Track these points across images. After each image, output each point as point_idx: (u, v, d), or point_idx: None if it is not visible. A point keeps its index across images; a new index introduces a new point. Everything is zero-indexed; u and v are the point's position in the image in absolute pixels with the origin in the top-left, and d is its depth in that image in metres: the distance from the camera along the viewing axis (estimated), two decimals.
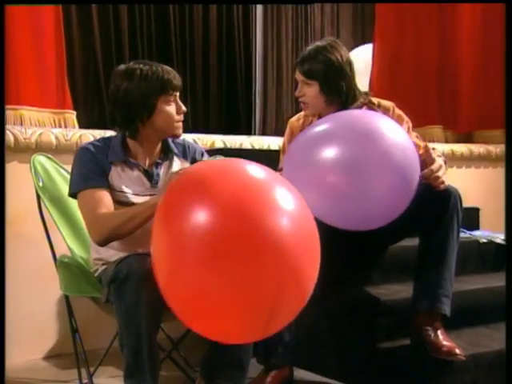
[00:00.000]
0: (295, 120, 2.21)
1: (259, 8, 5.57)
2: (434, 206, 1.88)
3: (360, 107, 2.03)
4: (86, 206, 1.70)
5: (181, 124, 1.78)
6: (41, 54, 2.81)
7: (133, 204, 1.73)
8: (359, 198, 1.57)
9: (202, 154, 1.92)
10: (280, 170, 2.11)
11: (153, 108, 1.71)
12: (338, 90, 1.98)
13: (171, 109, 1.74)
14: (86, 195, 1.71)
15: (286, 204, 1.25)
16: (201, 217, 1.20)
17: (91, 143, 1.80)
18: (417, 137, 2.12)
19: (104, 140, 1.81)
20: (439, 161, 1.87)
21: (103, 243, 1.68)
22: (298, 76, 2.04)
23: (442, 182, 1.84)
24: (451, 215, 1.93)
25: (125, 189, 1.74)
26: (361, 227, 1.70)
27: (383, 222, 1.69)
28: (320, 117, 2.07)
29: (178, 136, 1.80)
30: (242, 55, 5.31)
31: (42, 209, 1.98)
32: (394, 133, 1.63)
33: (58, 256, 1.92)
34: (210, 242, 1.19)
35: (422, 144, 2.11)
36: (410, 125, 2.12)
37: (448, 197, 1.92)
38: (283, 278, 1.21)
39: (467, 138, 4.20)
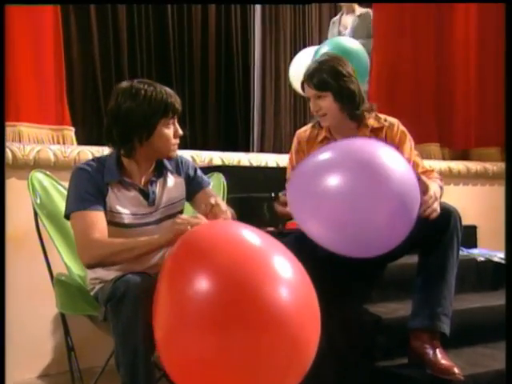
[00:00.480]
0: (302, 131, 2.24)
1: (257, 24, 5.64)
2: (434, 226, 1.88)
3: (368, 114, 2.09)
4: (79, 227, 1.67)
5: (176, 147, 1.79)
6: (40, 70, 2.83)
7: (127, 225, 1.73)
8: (360, 227, 1.59)
9: (195, 170, 1.93)
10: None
11: (153, 130, 1.71)
12: (351, 94, 2.04)
13: (169, 132, 1.74)
14: (79, 216, 1.68)
15: (285, 273, 1.30)
16: (202, 285, 1.26)
17: (87, 164, 1.77)
18: (417, 155, 2.14)
19: (99, 160, 1.80)
20: (433, 187, 1.88)
21: (91, 268, 1.68)
22: (309, 91, 2.08)
23: (433, 211, 1.84)
24: (451, 235, 1.94)
25: (120, 209, 1.73)
26: (362, 255, 1.72)
27: (383, 250, 1.71)
28: (328, 128, 2.13)
29: (172, 158, 1.82)
30: (240, 72, 5.37)
31: (40, 226, 1.97)
32: (395, 162, 1.65)
33: (54, 274, 1.91)
34: (210, 310, 1.24)
35: (421, 164, 2.13)
36: (413, 143, 2.15)
37: (448, 217, 1.93)
38: (283, 347, 1.24)
39: (464, 156, 4.23)
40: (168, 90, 1.75)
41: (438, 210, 1.85)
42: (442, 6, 4.18)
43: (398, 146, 2.08)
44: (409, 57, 4.18)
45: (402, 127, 2.14)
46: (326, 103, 2.05)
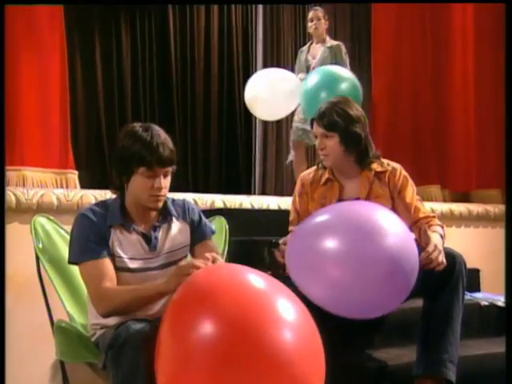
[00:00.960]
0: (306, 174, 2.26)
1: (259, 66, 5.75)
2: (439, 273, 1.86)
3: (373, 160, 2.11)
4: (90, 279, 1.68)
5: (156, 198, 1.71)
6: (46, 116, 2.90)
7: (129, 269, 1.73)
8: (358, 289, 1.62)
9: (200, 219, 1.90)
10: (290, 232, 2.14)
11: (130, 175, 1.69)
12: (358, 140, 2.07)
13: (146, 182, 1.68)
14: (88, 267, 1.68)
15: (289, 315, 1.30)
16: (204, 328, 1.26)
17: (90, 208, 1.78)
18: (419, 200, 2.15)
19: (103, 203, 1.80)
20: (435, 238, 1.88)
21: (107, 317, 1.67)
22: (317, 130, 2.11)
23: (440, 264, 1.83)
24: (456, 280, 1.93)
25: (121, 253, 1.73)
26: (361, 316, 1.73)
27: (382, 312, 1.73)
28: (331, 170, 2.14)
29: (153, 209, 1.76)
30: (241, 115, 5.44)
31: (41, 271, 1.97)
32: (392, 225, 1.69)
33: (55, 319, 1.90)
34: (213, 353, 1.23)
35: (423, 209, 2.13)
36: (415, 188, 2.16)
37: (453, 262, 1.92)
38: None
39: (465, 197, 4.24)
40: (161, 140, 1.68)
41: (444, 261, 1.84)
42: (440, 45, 4.26)
43: (400, 191, 2.11)
44: (408, 99, 4.25)
45: (404, 172, 2.16)
46: (332, 143, 2.07)
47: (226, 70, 5.64)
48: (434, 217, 2.13)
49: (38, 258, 1.96)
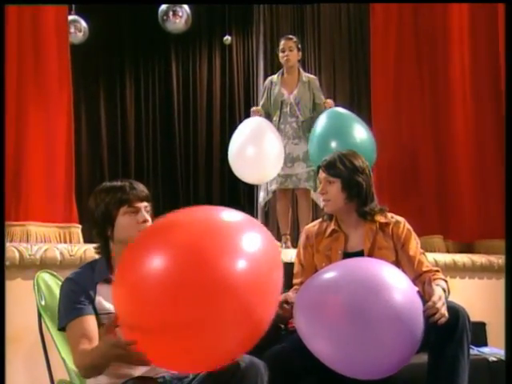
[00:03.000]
0: (311, 226, 2.28)
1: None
2: (442, 327, 1.85)
3: (376, 212, 2.13)
4: (72, 342, 1.67)
5: None
6: (51, 171, 2.94)
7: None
8: (365, 348, 1.62)
9: None
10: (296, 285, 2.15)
11: (113, 220, 1.73)
12: (359, 189, 2.11)
13: (131, 219, 1.73)
14: (71, 328, 1.68)
15: (247, 249, 1.38)
16: (160, 255, 1.37)
17: (75, 272, 1.80)
18: (423, 254, 2.16)
19: (89, 264, 1.84)
20: (438, 292, 1.88)
21: (89, 378, 1.66)
22: (321, 175, 2.17)
23: (443, 315, 1.82)
24: (460, 335, 1.90)
25: (108, 307, 1.72)
26: (368, 376, 1.72)
27: (390, 371, 1.72)
28: (337, 221, 2.16)
29: None
30: None
31: (43, 328, 1.95)
32: (398, 281, 1.73)
33: (56, 379, 1.87)
34: (167, 277, 1.33)
35: (426, 263, 2.13)
36: (418, 242, 2.18)
37: (456, 316, 1.90)
38: (232, 311, 1.32)
39: (469, 248, 4.20)
40: (135, 182, 1.78)
41: (446, 314, 1.83)
42: (439, 96, 4.32)
43: (404, 244, 2.12)
44: (409, 150, 4.28)
45: (408, 225, 2.18)
46: (334, 189, 2.12)
47: (228, 121, 5.74)
48: (437, 271, 2.13)
49: (39, 316, 1.95)
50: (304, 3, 5.88)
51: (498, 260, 3.95)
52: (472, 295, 3.65)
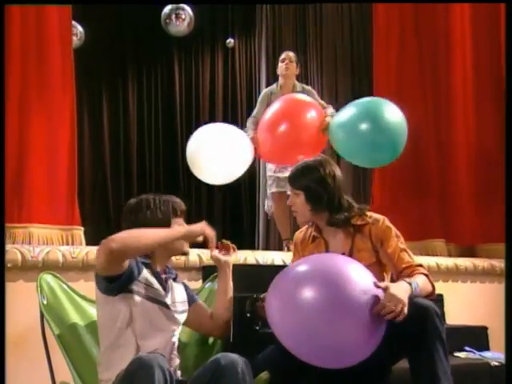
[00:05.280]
0: (298, 232, 2.31)
1: None
2: (411, 327, 1.81)
3: (349, 218, 2.11)
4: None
5: (187, 243, 1.97)
6: (54, 173, 2.94)
7: (160, 302, 1.84)
8: (329, 335, 1.69)
9: (186, 288, 2.06)
10: None
11: (167, 227, 1.88)
12: (320, 199, 2.11)
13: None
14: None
15: None
16: None
17: None
18: (404, 251, 2.09)
19: None
20: (398, 288, 1.81)
21: (118, 252, 1.70)
22: (289, 187, 2.24)
23: (398, 315, 1.75)
24: (432, 337, 1.85)
25: (155, 287, 1.84)
26: (334, 365, 1.77)
27: (353, 360, 1.75)
28: (317, 226, 2.18)
29: (186, 254, 2.01)
30: (246, 175, 5.51)
31: (46, 330, 1.95)
32: (359, 276, 1.79)
33: (58, 381, 1.87)
34: None
35: (407, 259, 2.06)
36: (401, 239, 2.11)
37: (424, 316, 1.86)
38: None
39: (471, 252, 4.19)
40: (170, 196, 1.98)
41: (405, 311, 1.76)
42: (441, 101, 4.33)
43: (382, 242, 2.07)
44: (411, 153, 4.27)
45: (387, 223, 2.12)
46: (299, 201, 2.14)
47: (231, 123, 5.73)
48: (419, 266, 2.06)
49: (42, 316, 1.95)
50: (306, 3, 5.87)
51: (500, 264, 3.94)
52: (474, 299, 3.65)
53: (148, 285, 1.83)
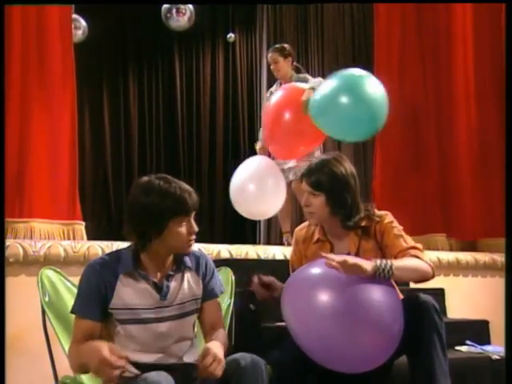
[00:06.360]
0: (299, 230, 2.23)
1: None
2: (410, 322, 1.80)
3: (361, 220, 2.05)
4: (74, 334, 1.72)
5: (192, 243, 1.78)
6: (55, 168, 2.95)
7: (140, 321, 1.72)
8: (343, 340, 1.69)
9: (212, 275, 1.91)
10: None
11: (164, 227, 1.71)
12: (343, 203, 2.02)
13: (182, 230, 1.73)
14: (77, 323, 1.72)
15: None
16: None
17: (101, 258, 1.81)
18: (398, 238, 2.01)
19: (115, 253, 1.82)
20: (341, 258, 1.78)
21: (75, 373, 1.70)
22: (305, 187, 2.07)
23: (336, 267, 1.74)
24: (429, 332, 1.85)
25: (131, 303, 1.72)
26: (348, 370, 1.78)
27: (369, 366, 1.76)
28: (322, 228, 2.11)
29: (187, 253, 1.82)
30: None
31: (47, 325, 1.96)
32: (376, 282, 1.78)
33: (59, 376, 1.87)
34: None
35: (401, 246, 2.00)
36: (399, 227, 2.05)
37: (422, 310, 1.86)
38: None
39: (472, 246, 4.19)
40: (184, 187, 1.74)
41: (337, 259, 1.75)
42: (443, 92, 4.31)
43: (383, 238, 2.03)
44: (413, 147, 4.27)
45: (389, 218, 2.07)
46: (318, 203, 2.03)
47: (231, 119, 5.73)
48: (412, 248, 1.98)
49: (43, 311, 1.96)
50: (304, 3, 5.87)
51: (501, 258, 3.95)
52: (475, 293, 3.65)
53: (127, 308, 1.72)
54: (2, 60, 2.72)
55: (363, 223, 2.06)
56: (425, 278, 1.91)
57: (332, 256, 1.79)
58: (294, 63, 4.01)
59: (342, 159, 2.10)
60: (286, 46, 4.05)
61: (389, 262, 1.81)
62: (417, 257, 1.92)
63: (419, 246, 2.00)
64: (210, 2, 5.88)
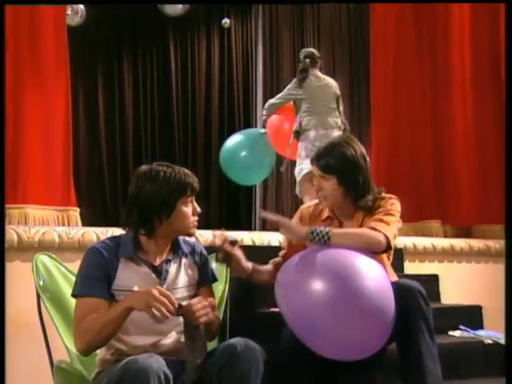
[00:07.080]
0: (306, 207, 2.24)
1: (259, 104, 5.83)
2: (396, 310, 1.80)
3: (373, 201, 2.05)
4: (78, 313, 1.70)
5: (195, 224, 1.84)
6: (49, 154, 2.94)
7: None
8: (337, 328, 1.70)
9: (207, 261, 1.96)
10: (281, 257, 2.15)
11: (173, 208, 1.76)
12: (355, 183, 2.03)
13: (188, 210, 1.80)
14: (82, 302, 1.72)
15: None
16: None
17: (103, 242, 1.83)
18: (380, 220, 1.99)
19: (115, 238, 1.85)
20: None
21: (85, 353, 1.68)
22: (315, 171, 2.08)
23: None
24: (415, 314, 1.86)
25: (129, 285, 1.74)
26: (343, 357, 1.79)
27: (363, 354, 1.78)
28: (332, 209, 2.11)
29: (191, 235, 1.87)
30: None
31: (42, 310, 1.96)
32: (369, 269, 1.80)
33: (55, 360, 1.88)
34: None
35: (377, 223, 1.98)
36: (392, 207, 2.03)
37: (407, 295, 1.86)
38: None
39: (467, 233, 4.21)
40: (185, 170, 1.83)
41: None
42: (439, 84, 4.31)
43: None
44: (408, 134, 4.27)
45: (392, 201, 2.05)
46: (330, 185, 2.04)
47: (227, 105, 5.71)
48: (379, 221, 1.96)
49: (38, 296, 1.96)
50: (304, 3, 5.84)
51: (496, 244, 3.97)
52: (469, 279, 3.67)
53: (128, 290, 1.73)
54: (2, 60, 2.69)
55: (370, 203, 2.06)
56: (373, 248, 1.90)
57: (271, 216, 1.90)
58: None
59: (351, 140, 2.11)
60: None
61: (327, 228, 1.88)
62: (374, 229, 1.92)
63: (392, 233, 1.95)
64: (206, 2, 5.84)
